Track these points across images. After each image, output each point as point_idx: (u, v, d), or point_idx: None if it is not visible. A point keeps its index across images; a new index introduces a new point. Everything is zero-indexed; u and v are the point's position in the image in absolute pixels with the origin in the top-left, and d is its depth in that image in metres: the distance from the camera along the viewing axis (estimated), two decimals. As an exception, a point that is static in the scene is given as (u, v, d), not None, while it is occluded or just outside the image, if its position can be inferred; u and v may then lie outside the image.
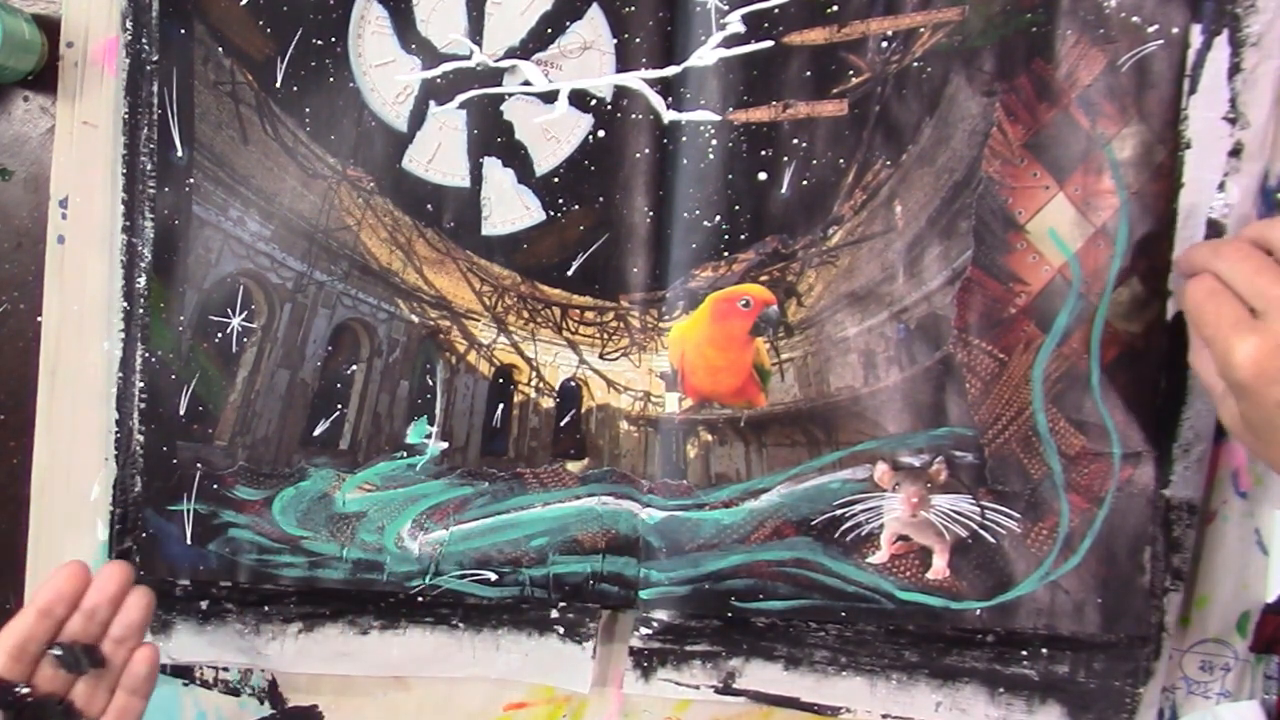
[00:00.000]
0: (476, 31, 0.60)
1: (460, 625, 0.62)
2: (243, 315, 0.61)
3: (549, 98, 0.59)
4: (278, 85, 0.60)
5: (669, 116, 0.59)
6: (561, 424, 0.61)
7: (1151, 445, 0.57)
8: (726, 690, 0.61)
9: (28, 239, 0.64)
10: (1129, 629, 0.57)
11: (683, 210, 0.59)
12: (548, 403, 0.61)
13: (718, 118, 0.58)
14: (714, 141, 0.58)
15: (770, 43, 0.58)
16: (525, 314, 0.60)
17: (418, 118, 0.60)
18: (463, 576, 0.61)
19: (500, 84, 0.60)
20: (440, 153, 0.60)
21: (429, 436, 0.61)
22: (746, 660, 0.60)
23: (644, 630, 0.60)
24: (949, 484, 0.58)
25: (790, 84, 0.58)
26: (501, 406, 0.61)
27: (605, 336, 0.60)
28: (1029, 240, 0.57)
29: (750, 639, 0.61)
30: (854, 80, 0.58)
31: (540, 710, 0.64)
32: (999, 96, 0.57)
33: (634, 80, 0.59)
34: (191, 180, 0.60)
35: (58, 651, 0.49)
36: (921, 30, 0.57)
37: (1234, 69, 0.55)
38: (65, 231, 0.63)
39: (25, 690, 0.48)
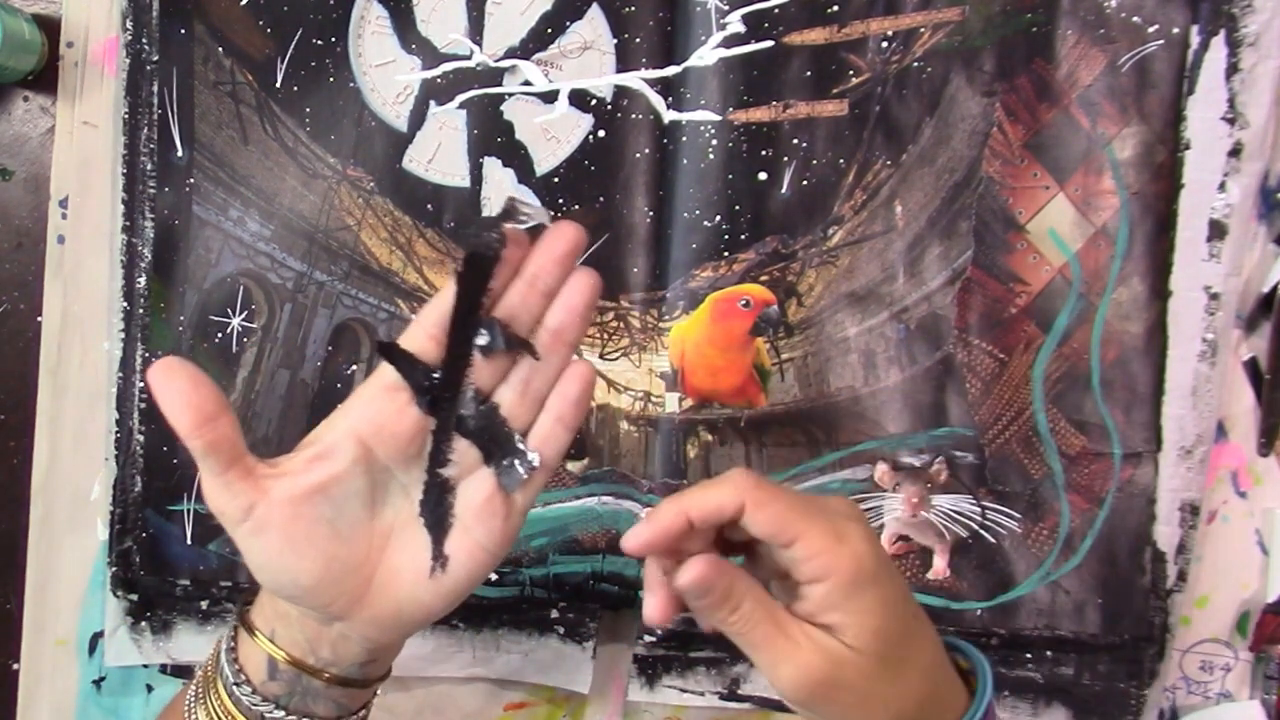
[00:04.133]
0: (476, 31, 0.60)
1: (460, 625, 0.62)
2: (243, 315, 0.61)
3: (549, 98, 0.59)
4: (278, 85, 0.60)
5: (669, 116, 0.59)
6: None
7: (1152, 445, 0.57)
8: (731, 696, 0.61)
9: (28, 239, 0.64)
10: (1130, 629, 0.57)
11: (683, 210, 0.59)
12: (548, 403, 0.61)
13: (718, 118, 0.58)
14: (714, 141, 0.58)
15: (770, 43, 0.58)
16: (525, 314, 0.60)
17: (418, 118, 0.60)
18: (463, 576, 0.60)
19: (500, 84, 0.60)
20: (440, 153, 0.60)
21: (429, 436, 0.61)
22: (751, 666, 0.60)
23: (648, 637, 0.60)
24: (949, 484, 0.58)
25: (790, 84, 0.58)
26: (501, 406, 0.61)
27: (605, 336, 0.60)
28: (1029, 240, 0.57)
29: (752, 642, 0.60)
30: (854, 80, 0.58)
31: (540, 710, 0.64)
32: (999, 96, 0.57)
33: (634, 80, 0.59)
34: (191, 180, 0.60)
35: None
36: (922, 30, 0.57)
37: (1231, 69, 0.55)
38: (65, 231, 0.63)
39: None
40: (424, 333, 0.40)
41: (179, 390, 0.37)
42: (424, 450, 0.40)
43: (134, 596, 0.62)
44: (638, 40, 0.58)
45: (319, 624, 0.41)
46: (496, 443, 0.40)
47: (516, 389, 0.40)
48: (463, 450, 0.40)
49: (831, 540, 0.38)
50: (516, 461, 0.40)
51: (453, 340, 0.39)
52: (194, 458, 0.38)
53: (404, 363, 0.40)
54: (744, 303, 0.59)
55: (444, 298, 0.39)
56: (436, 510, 0.40)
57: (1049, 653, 0.59)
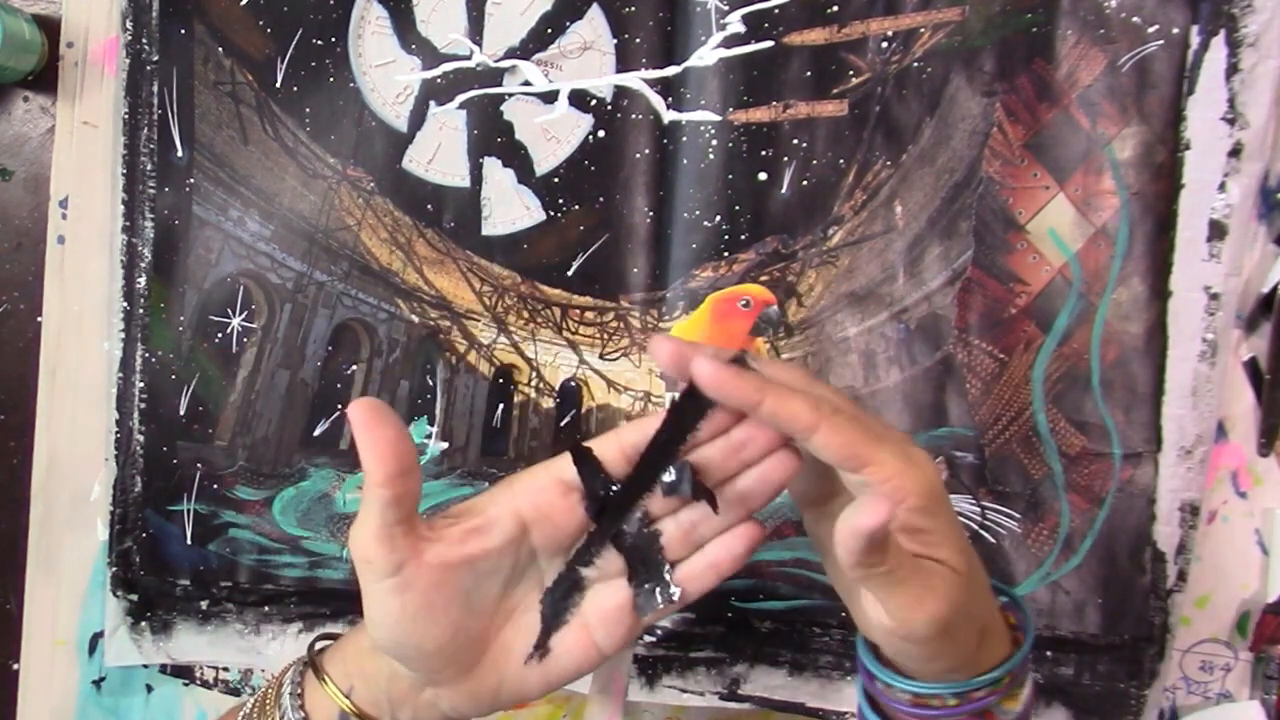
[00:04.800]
0: (476, 31, 0.60)
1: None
2: (243, 315, 0.61)
3: (549, 98, 0.59)
4: (278, 85, 0.60)
5: (669, 116, 0.59)
6: (562, 424, 0.61)
7: (1152, 445, 0.57)
8: (731, 697, 0.61)
9: (28, 239, 0.64)
10: (1130, 630, 0.57)
11: (683, 210, 0.59)
12: (548, 403, 0.61)
13: (718, 118, 0.58)
14: (714, 141, 0.58)
15: (770, 43, 0.58)
16: (525, 314, 0.61)
17: (418, 118, 0.60)
18: (463, 577, 0.60)
19: (500, 84, 0.60)
20: (440, 153, 0.60)
21: (429, 437, 0.61)
22: (751, 666, 0.60)
23: (647, 637, 0.60)
24: (949, 484, 0.58)
25: (790, 84, 0.58)
26: (501, 407, 0.61)
27: (605, 337, 0.60)
28: (1029, 240, 0.57)
29: (754, 645, 0.60)
30: (854, 80, 0.58)
31: (540, 710, 0.64)
32: (999, 96, 0.57)
33: (634, 80, 0.59)
34: (191, 180, 0.60)
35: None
36: (922, 30, 0.57)
37: (1231, 69, 0.55)
38: (65, 231, 0.63)
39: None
40: (619, 447, 0.40)
41: (384, 439, 0.37)
42: (573, 546, 0.41)
43: (134, 596, 0.62)
44: (638, 40, 0.58)
45: (410, 688, 0.41)
46: (646, 566, 0.41)
47: (682, 526, 0.41)
48: (609, 559, 0.41)
49: (903, 462, 0.37)
50: (658, 590, 0.41)
51: (642, 466, 0.40)
52: (368, 503, 0.38)
53: (588, 470, 0.40)
54: (744, 303, 0.59)
55: (650, 422, 0.40)
56: (559, 603, 0.41)
57: (1049, 653, 0.59)
